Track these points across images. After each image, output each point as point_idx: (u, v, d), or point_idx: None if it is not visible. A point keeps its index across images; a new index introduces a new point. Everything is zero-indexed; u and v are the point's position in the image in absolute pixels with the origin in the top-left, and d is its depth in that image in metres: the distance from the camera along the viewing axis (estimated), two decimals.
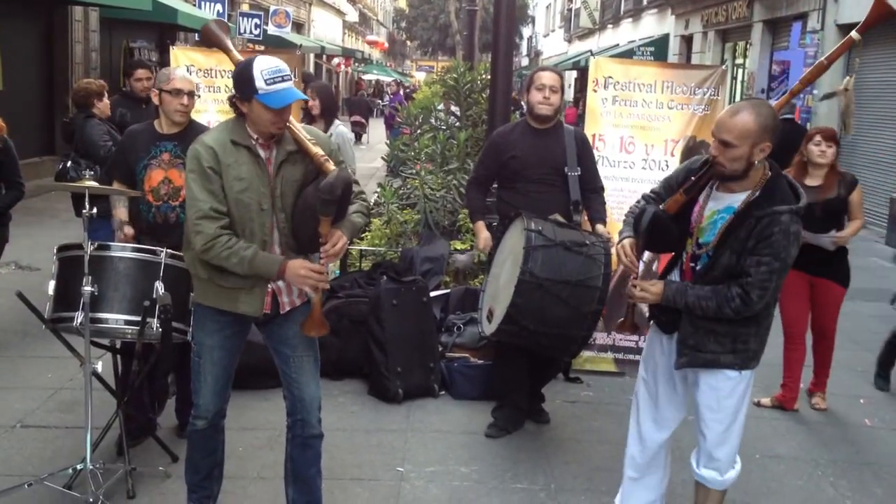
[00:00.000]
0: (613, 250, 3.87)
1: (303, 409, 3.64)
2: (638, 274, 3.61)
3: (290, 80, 3.33)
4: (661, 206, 3.53)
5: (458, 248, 7.04)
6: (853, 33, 4.68)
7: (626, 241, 3.59)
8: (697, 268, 3.50)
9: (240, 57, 4.17)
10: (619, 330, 3.91)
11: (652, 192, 3.78)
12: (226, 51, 4.18)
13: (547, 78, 4.97)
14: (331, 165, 3.38)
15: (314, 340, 3.64)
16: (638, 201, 3.81)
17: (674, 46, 25.46)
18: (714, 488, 3.67)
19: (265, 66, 3.27)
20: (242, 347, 3.69)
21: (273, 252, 3.43)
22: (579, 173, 4.95)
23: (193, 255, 3.45)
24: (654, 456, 3.83)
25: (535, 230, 4.32)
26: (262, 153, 3.40)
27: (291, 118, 3.44)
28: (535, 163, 4.93)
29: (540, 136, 4.99)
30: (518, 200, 4.91)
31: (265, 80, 3.24)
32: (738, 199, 3.36)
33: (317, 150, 3.42)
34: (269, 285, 3.46)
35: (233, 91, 3.39)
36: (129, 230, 4.52)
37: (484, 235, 5.13)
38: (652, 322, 3.79)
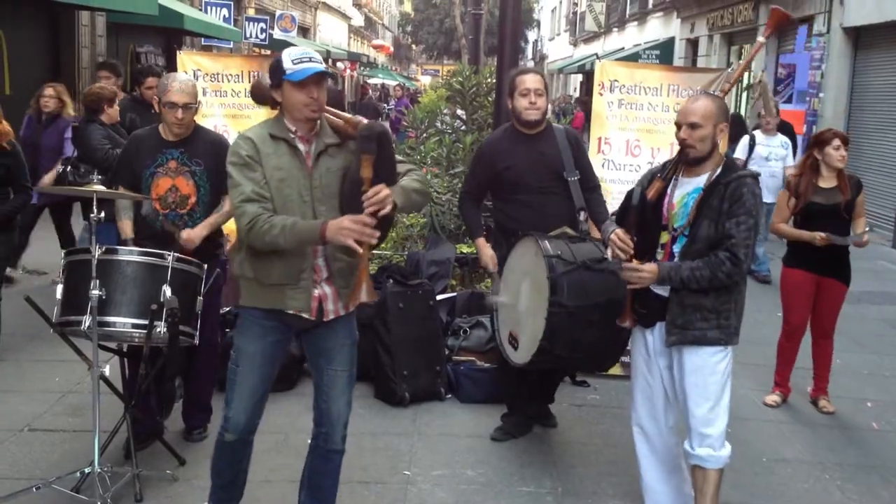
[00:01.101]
0: (609, 252, 3.92)
1: (328, 424, 3.62)
2: (632, 256, 3.70)
3: (319, 62, 3.35)
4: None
5: (464, 251, 7.04)
6: (760, 37, 5.06)
7: (619, 230, 3.76)
8: (676, 249, 3.70)
9: None
10: (620, 322, 3.90)
11: (621, 208, 3.94)
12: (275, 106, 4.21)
13: (530, 81, 4.72)
14: (365, 121, 3.41)
15: (355, 357, 3.64)
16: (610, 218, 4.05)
17: (679, 50, 25.44)
18: (711, 467, 3.72)
19: (294, 50, 3.38)
20: (283, 359, 3.65)
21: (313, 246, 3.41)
22: (579, 177, 4.77)
23: (241, 257, 3.44)
24: (666, 454, 3.96)
25: (555, 255, 4.20)
26: (300, 146, 3.41)
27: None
28: (531, 171, 4.72)
29: (532, 141, 4.78)
30: (522, 213, 4.72)
31: (292, 61, 3.31)
32: (701, 181, 3.68)
33: (349, 116, 3.46)
34: (315, 291, 3.44)
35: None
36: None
37: (488, 254, 4.90)
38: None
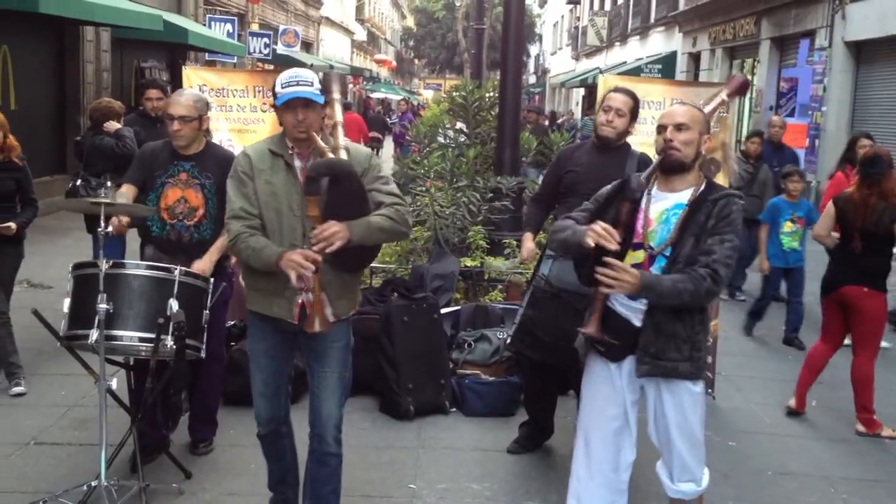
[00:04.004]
0: (589, 239, 3.26)
1: (319, 425, 3.72)
2: (617, 248, 3.26)
3: (308, 85, 3.46)
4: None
5: (468, 264, 7.06)
6: (724, 95, 4.78)
7: (601, 223, 3.29)
8: (654, 271, 3.39)
9: (339, 117, 3.94)
10: (584, 329, 3.60)
11: (582, 209, 3.71)
12: (328, 102, 4.20)
13: (614, 100, 4.84)
14: (330, 154, 3.48)
15: (346, 360, 3.73)
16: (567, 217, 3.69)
17: (681, 64, 25.51)
18: (691, 499, 3.65)
19: (285, 73, 3.53)
20: (291, 358, 3.84)
21: None
22: None
23: (242, 264, 3.72)
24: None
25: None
26: (297, 163, 3.57)
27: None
28: (588, 179, 4.77)
29: (601, 154, 4.89)
30: (564, 214, 4.88)
31: (281, 85, 3.48)
32: (684, 196, 3.42)
33: (323, 145, 3.52)
34: (298, 297, 3.55)
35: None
36: (124, 219, 4.58)
37: (528, 247, 5.13)
38: (590, 354, 3.60)
